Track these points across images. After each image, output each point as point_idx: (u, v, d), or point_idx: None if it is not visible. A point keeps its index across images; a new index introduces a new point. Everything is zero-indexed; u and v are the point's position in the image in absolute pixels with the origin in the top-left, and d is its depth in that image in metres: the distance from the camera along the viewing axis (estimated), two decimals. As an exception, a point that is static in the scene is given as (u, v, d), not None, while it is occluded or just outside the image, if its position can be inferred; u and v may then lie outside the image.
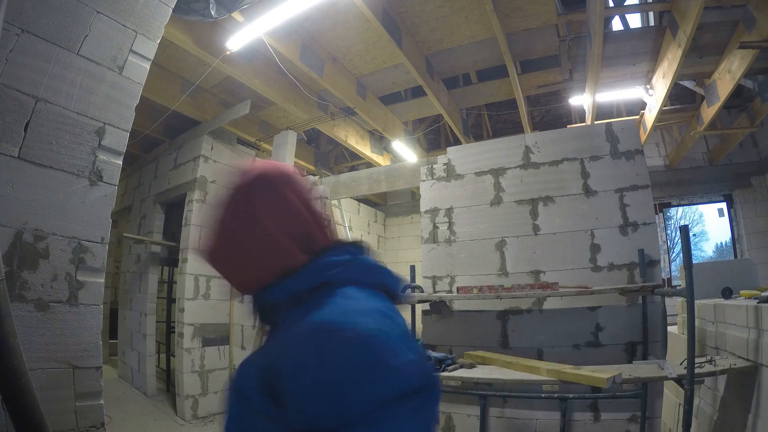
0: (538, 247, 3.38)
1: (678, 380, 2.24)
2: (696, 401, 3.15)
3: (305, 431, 0.52)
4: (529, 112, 6.14)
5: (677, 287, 3.22)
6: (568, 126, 5.60)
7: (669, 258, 8.87)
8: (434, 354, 2.92)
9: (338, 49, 4.52)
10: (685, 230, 2.25)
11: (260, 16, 3.40)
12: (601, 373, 2.27)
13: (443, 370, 2.76)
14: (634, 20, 6.20)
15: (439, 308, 3.58)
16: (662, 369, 2.38)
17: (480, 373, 2.72)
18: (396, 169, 4.76)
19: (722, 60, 4.24)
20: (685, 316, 3.53)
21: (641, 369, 2.47)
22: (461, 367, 2.84)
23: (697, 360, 2.29)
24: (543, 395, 2.97)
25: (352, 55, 4.63)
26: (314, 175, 7.05)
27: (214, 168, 5.27)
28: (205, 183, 5.13)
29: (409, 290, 3.19)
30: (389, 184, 4.74)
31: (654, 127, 5.49)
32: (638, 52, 4.41)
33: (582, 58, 4.63)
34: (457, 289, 2.94)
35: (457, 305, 3.52)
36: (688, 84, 5.06)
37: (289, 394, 0.54)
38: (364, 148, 6.50)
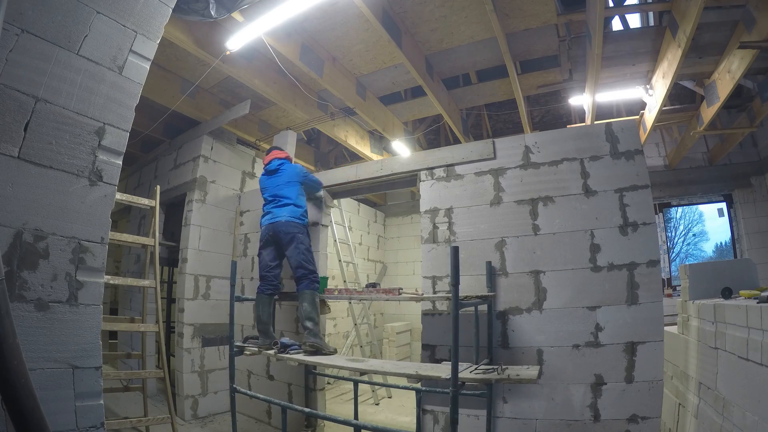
0: (538, 247, 3.38)
1: (452, 382, 2.34)
2: (696, 401, 3.16)
3: None
4: (529, 112, 6.14)
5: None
6: (568, 126, 5.59)
7: (669, 258, 8.87)
8: (282, 340, 3.31)
9: (338, 49, 4.52)
10: (455, 251, 2.33)
11: (260, 16, 3.40)
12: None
13: (286, 353, 3.18)
14: (634, 20, 6.22)
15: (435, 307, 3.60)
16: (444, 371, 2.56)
17: (316, 359, 3.07)
18: (396, 169, 4.75)
19: (722, 60, 4.24)
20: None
21: (433, 369, 2.70)
22: (304, 353, 3.20)
23: (488, 367, 2.81)
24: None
25: (352, 55, 4.63)
26: (314, 175, 7.02)
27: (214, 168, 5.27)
28: (205, 183, 5.13)
29: None
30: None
31: (654, 127, 5.49)
32: (638, 52, 4.41)
33: (582, 58, 4.63)
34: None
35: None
36: (688, 84, 5.06)
37: None
38: (364, 148, 6.49)
